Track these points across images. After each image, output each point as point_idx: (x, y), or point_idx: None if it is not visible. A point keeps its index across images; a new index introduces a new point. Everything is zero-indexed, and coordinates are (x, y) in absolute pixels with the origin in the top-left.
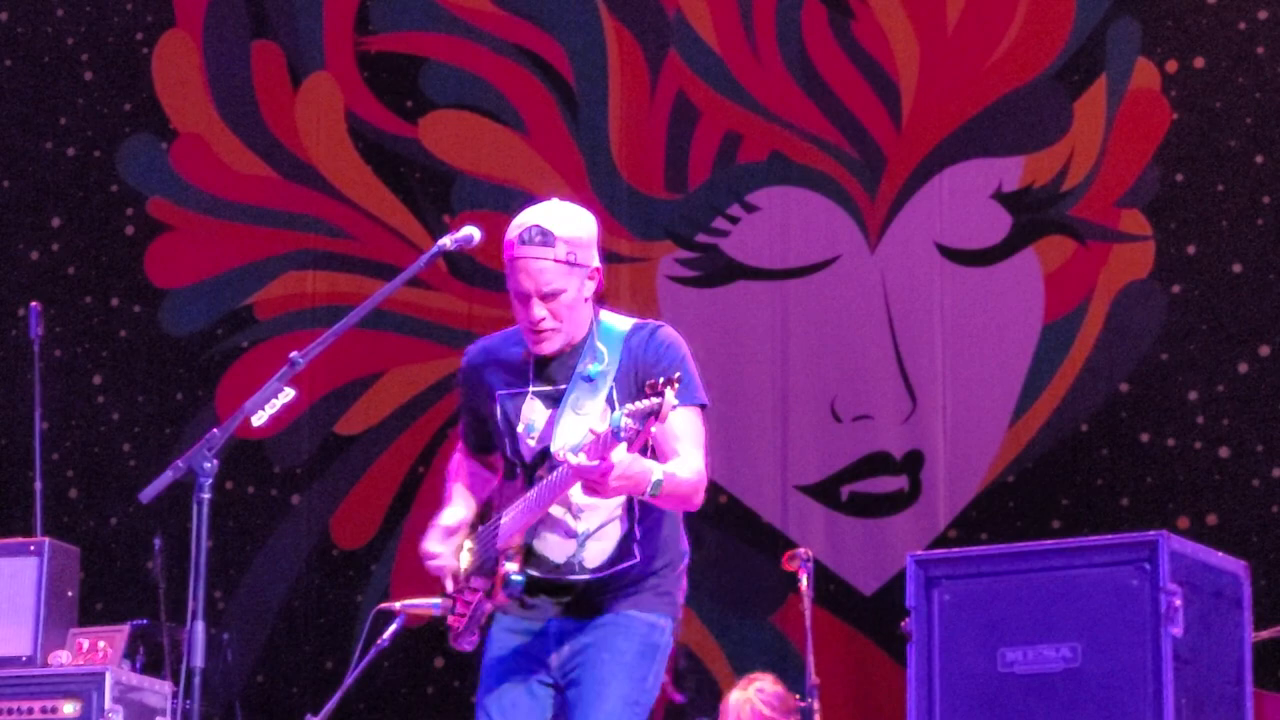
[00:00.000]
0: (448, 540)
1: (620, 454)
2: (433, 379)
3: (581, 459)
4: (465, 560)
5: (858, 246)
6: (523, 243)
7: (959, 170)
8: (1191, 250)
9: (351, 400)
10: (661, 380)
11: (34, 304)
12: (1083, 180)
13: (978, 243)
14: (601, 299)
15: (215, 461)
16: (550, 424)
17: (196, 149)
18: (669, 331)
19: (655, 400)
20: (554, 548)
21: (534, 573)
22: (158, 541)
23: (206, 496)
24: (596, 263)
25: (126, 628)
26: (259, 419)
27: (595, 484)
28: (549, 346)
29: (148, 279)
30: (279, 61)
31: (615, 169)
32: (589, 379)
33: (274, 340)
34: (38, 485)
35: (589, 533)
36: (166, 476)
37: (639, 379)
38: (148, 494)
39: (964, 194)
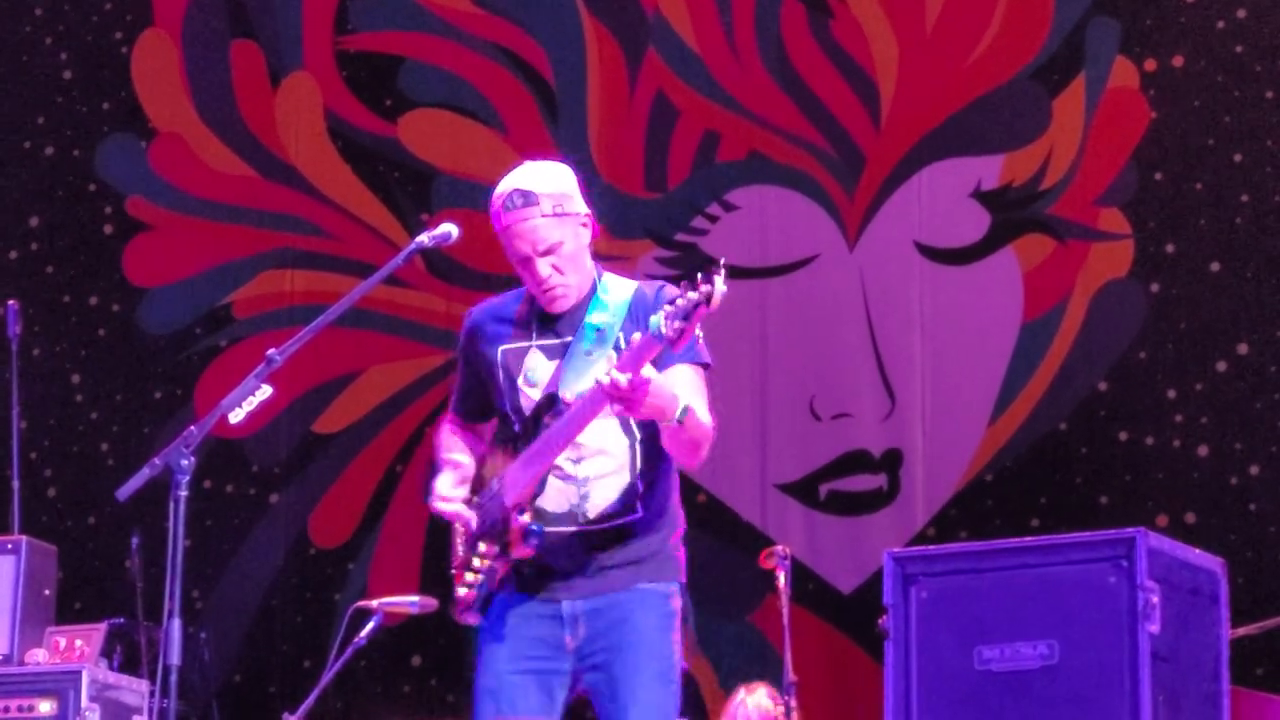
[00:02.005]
0: (459, 487)
1: (651, 370)
2: (411, 377)
3: (613, 372)
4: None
5: (837, 245)
6: (507, 210)
7: (938, 169)
8: (1170, 249)
9: (330, 399)
10: (703, 274)
11: (12, 303)
12: (1061, 179)
13: (956, 241)
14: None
15: (192, 459)
16: (557, 374)
17: (175, 148)
18: (674, 290)
19: (705, 289)
20: (555, 497)
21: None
22: (135, 540)
23: (184, 494)
24: (585, 209)
25: (103, 626)
26: (236, 416)
27: (628, 398)
28: (563, 304)
29: (126, 278)
30: (258, 61)
31: (594, 168)
32: (598, 329)
33: (252, 339)
34: (15, 484)
35: (590, 478)
36: (144, 474)
37: None
38: (125, 491)
39: (943, 193)
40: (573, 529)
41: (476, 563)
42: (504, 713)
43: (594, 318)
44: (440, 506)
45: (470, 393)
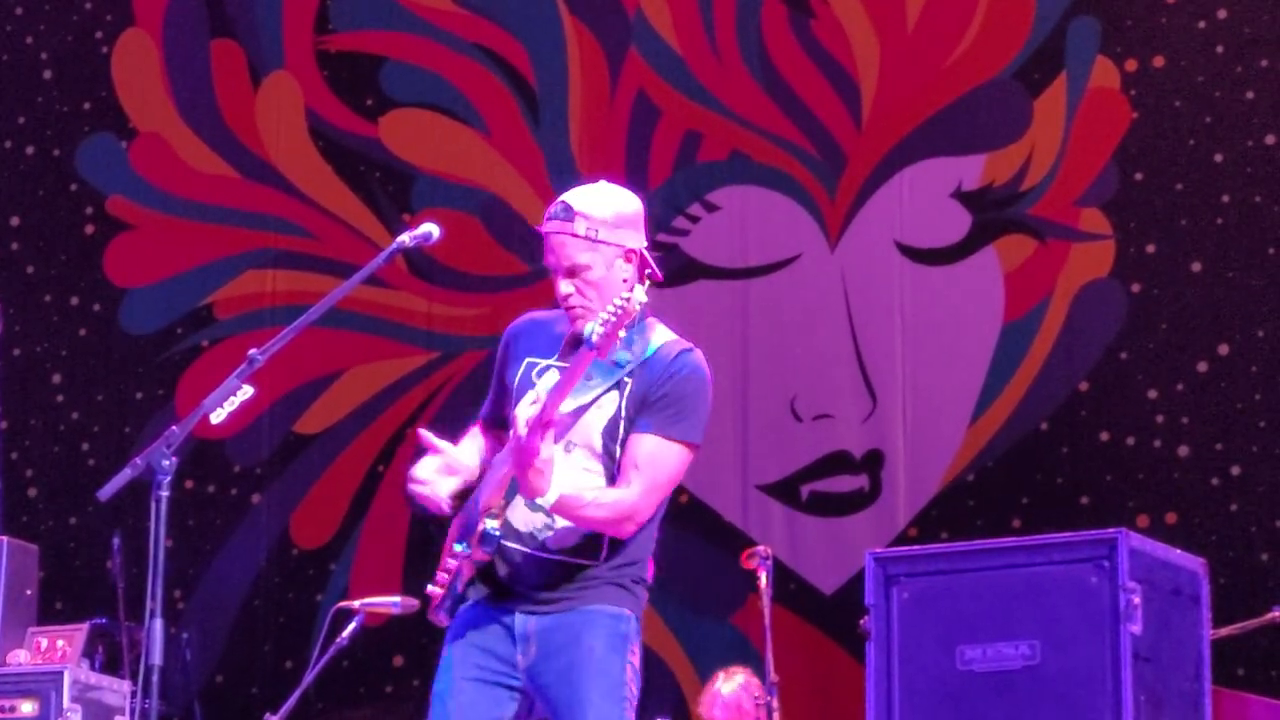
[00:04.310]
0: (443, 473)
1: (549, 448)
2: (392, 378)
3: (519, 418)
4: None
5: (818, 245)
6: (548, 219)
7: (919, 169)
8: (1151, 249)
9: (311, 399)
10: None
11: None
12: (1042, 179)
13: (938, 241)
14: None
15: (174, 459)
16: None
17: (156, 148)
18: (695, 360)
19: (625, 296)
20: (524, 517)
21: (505, 542)
22: (116, 540)
23: (165, 494)
24: (632, 244)
25: (85, 627)
26: (218, 417)
27: (516, 449)
28: (581, 325)
29: (107, 278)
30: (239, 60)
31: (576, 168)
32: (618, 364)
33: (234, 339)
34: None
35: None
36: (125, 474)
37: (644, 397)
38: (106, 492)
39: (924, 193)
40: (531, 551)
41: (450, 562)
42: (450, 715)
43: (617, 351)
44: (410, 486)
45: (496, 398)
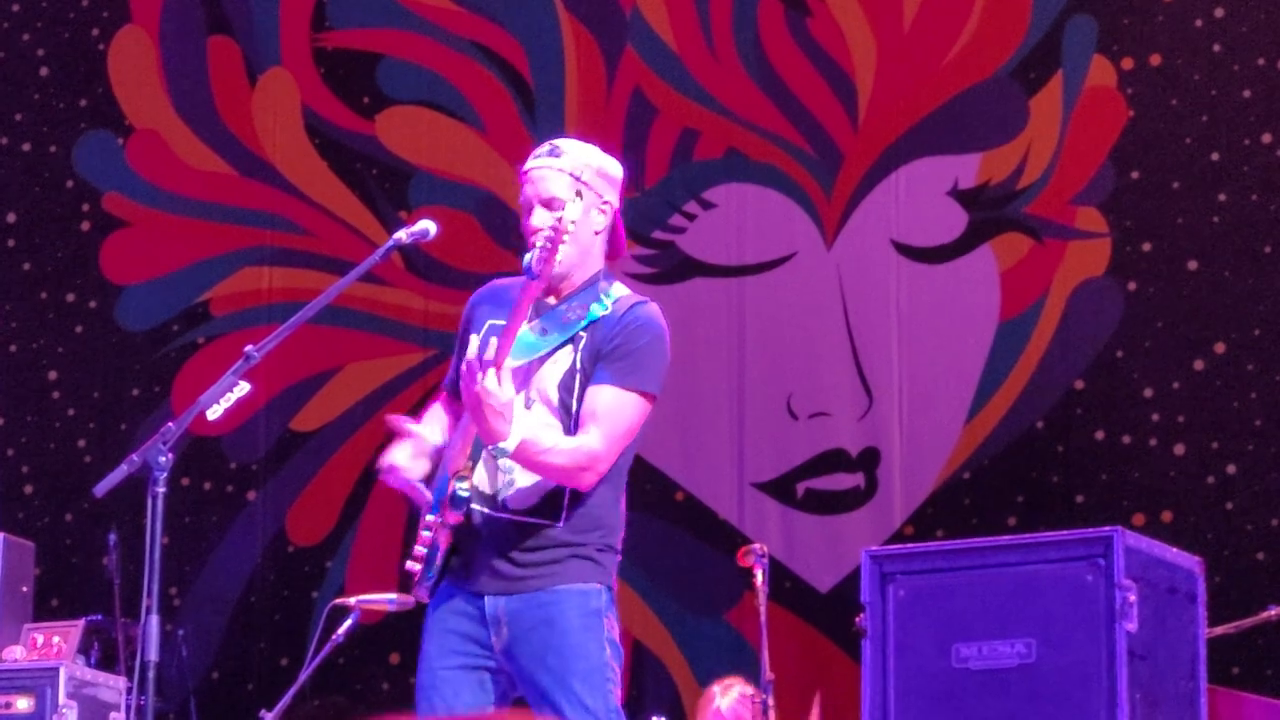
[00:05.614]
0: (416, 459)
1: (493, 383)
2: (389, 375)
3: (472, 359)
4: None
5: (814, 244)
6: (533, 156)
7: (915, 167)
8: (1147, 248)
9: (308, 396)
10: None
11: None
12: (1039, 177)
13: (934, 240)
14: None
15: (170, 455)
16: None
17: (152, 145)
18: (649, 311)
19: (558, 216)
20: (484, 477)
21: (472, 504)
22: (112, 537)
23: (161, 491)
24: (610, 198)
25: (81, 623)
26: (214, 413)
27: (468, 391)
28: (549, 257)
29: (103, 275)
30: (235, 57)
31: None
32: (566, 316)
33: (230, 336)
34: None
35: (514, 469)
36: (121, 470)
37: (598, 350)
38: (102, 488)
39: (920, 191)
40: (492, 512)
41: (425, 534)
42: (437, 709)
43: (590, 306)
44: (383, 477)
45: (458, 368)
